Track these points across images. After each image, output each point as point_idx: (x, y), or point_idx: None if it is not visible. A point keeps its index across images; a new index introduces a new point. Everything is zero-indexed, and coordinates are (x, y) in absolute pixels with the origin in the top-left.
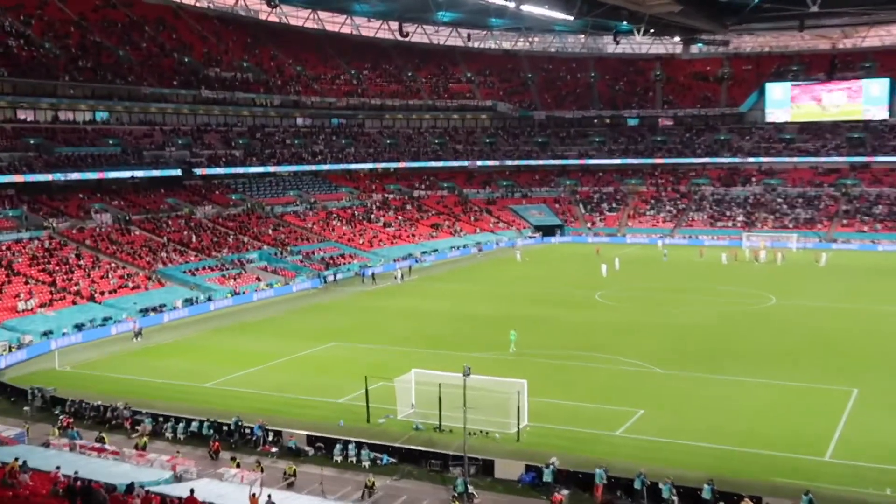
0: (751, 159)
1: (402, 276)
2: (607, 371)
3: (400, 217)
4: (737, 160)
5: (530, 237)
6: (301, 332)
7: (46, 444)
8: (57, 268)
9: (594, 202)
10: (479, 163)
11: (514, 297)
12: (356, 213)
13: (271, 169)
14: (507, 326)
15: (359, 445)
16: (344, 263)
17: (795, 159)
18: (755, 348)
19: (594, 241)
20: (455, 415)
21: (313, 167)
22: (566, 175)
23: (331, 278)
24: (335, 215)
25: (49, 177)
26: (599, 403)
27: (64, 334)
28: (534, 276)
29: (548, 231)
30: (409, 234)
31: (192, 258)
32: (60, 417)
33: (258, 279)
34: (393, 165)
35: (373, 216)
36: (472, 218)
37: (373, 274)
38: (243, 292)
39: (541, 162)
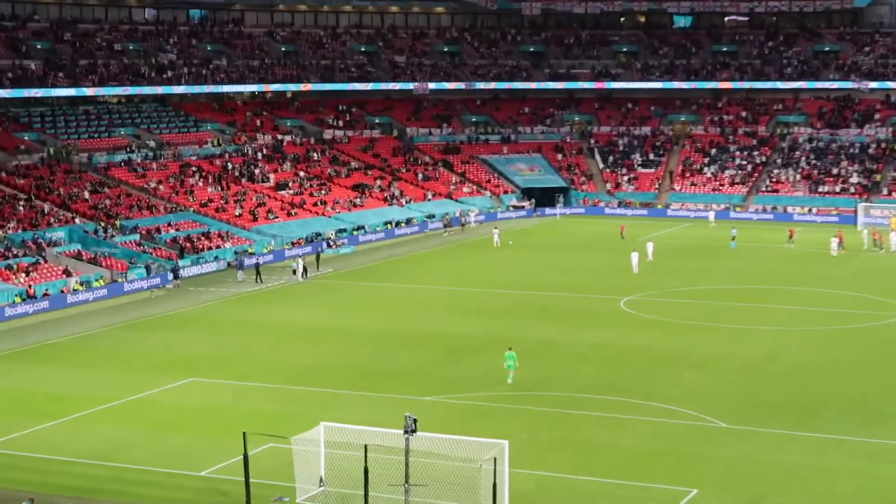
0: (873, 84)
1: (304, 271)
2: (641, 425)
3: (302, 173)
4: (849, 85)
5: (515, 207)
6: (139, 360)
7: None
8: None
9: (619, 151)
10: (431, 85)
11: (491, 306)
12: (230, 165)
13: (89, 92)
14: (476, 352)
15: None
16: (209, 248)
17: None
18: (875, 391)
19: (617, 215)
20: (391, 496)
21: (159, 90)
22: (574, 107)
23: (187, 272)
24: (195, 169)
25: None
26: (629, 479)
27: None
28: (522, 272)
29: (544, 198)
30: (316, 200)
31: None
32: None
33: (67, 273)
34: (291, 88)
35: (258, 171)
36: (421, 175)
37: (257, 266)
38: (42, 294)
39: (533, 85)
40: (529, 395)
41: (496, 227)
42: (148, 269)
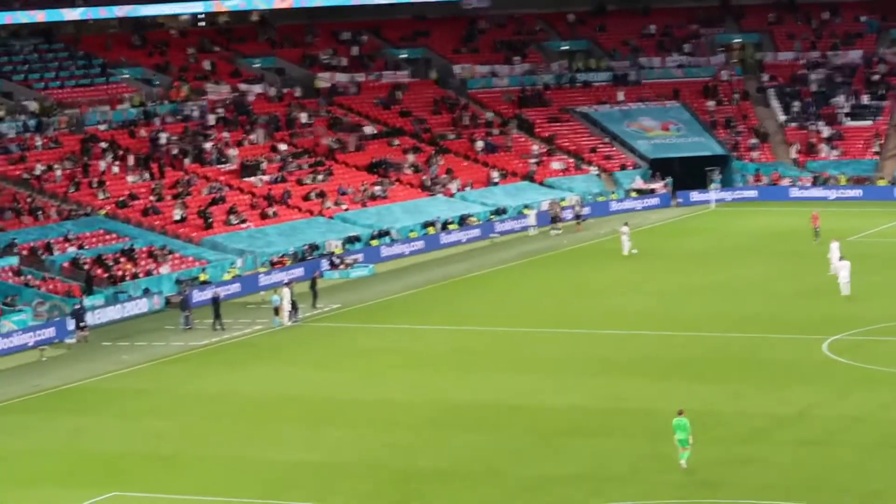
0: None
1: (292, 309)
2: None
3: (283, 146)
4: None
5: (639, 192)
6: (26, 464)
7: None
8: None
9: (812, 94)
10: None
11: (607, 359)
12: (164, 137)
13: None
14: (583, 434)
15: None
16: (133, 276)
17: None
18: None
19: (810, 199)
20: None
21: (40, 16)
22: (733, 21)
23: (97, 317)
24: (106, 146)
25: None
26: None
27: None
28: (656, 298)
29: (688, 175)
30: (309, 191)
31: None
32: None
33: None
34: (259, 5)
35: (210, 146)
36: (481, 144)
37: (215, 302)
38: None
39: None
40: None
41: (626, 224)
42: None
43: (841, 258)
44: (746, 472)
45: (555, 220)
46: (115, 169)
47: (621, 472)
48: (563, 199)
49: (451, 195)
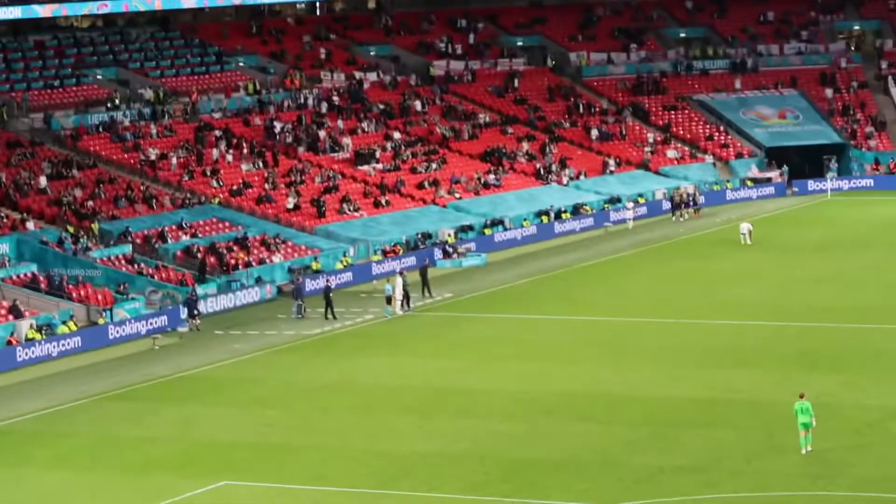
0: None
1: (404, 299)
2: None
3: (397, 135)
4: None
5: (755, 181)
6: (138, 452)
7: None
8: None
9: None
10: None
11: (722, 349)
12: (278, 125)
13: (43, 12)
14: (699, 425)
15: None
16: (246, 265)
17: None
18: None
19: None
20: None
21: (157, 4)
22: (852, 7)
23: (210, 305)
24: (220, 134)
25: None
26: None
27: None
28: (772, 288)
29: (805, 163)
30: (422, 180)
31: None
32: None
33: (15, 312)
34: None
35: (324, 135)
36: (596, 133)
37: (327, 292)
38: None
39: None
40: (791, 497)
41: (745, 220)
42: (147, 300)
43: None
44: (862, 463)
45: (677, 207)
46: (229, 157)
47: (735, 464)
48: (679, 188)
49: (564, 184)
